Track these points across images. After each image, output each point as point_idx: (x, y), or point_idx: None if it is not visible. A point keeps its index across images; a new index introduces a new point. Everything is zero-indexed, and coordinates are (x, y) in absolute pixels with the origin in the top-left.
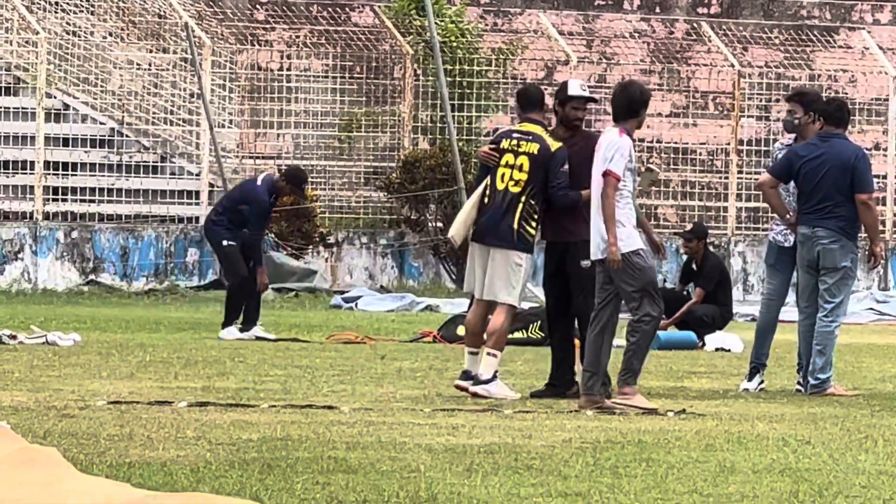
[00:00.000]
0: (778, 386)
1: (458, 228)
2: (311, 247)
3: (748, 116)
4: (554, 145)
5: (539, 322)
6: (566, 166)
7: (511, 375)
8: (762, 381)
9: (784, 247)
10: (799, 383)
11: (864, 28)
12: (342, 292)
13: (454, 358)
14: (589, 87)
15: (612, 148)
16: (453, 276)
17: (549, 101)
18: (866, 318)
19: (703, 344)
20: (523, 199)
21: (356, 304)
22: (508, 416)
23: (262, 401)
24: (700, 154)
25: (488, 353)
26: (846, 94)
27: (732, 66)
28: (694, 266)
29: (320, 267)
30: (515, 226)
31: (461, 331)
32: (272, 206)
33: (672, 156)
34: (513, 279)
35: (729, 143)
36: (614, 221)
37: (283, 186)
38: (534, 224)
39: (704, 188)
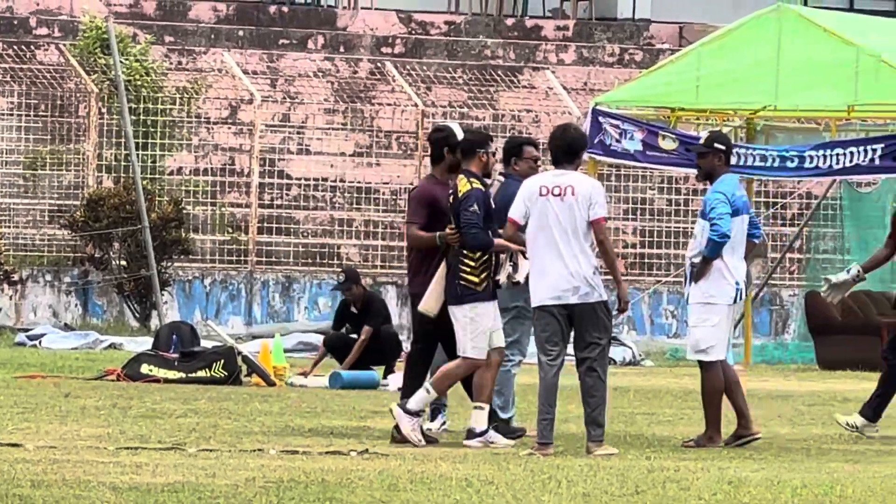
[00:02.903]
0: (461, 426)
1: (430, 302)
2: None
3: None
4: (462, 189)
5: (223, 361)
6: (474, 206)
7: (195, 414)
8: (445, 421)
9: None
10: None
11: (548, 68)
12: (26, 330)
13: (138, 396)
14: (273, 126)
15: (601, 193)
16: (137, 315)
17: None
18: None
19: (386, 384)
20: (456, 251)
21: (40, 342)
22: (192, 455)
23: None
24: (383, 193)
25: (476, 408)
26: (530, 133)
27: (416, 105)
28: (353, 309)
29: (4, 304)
30: (456, 280)
31: (145, 369)
32: None
33: (355, 195)
34: (473, 333)
35: (412, 183)
36: (617, 264)
37: None
38: (470, 272)
39: (388, 227)
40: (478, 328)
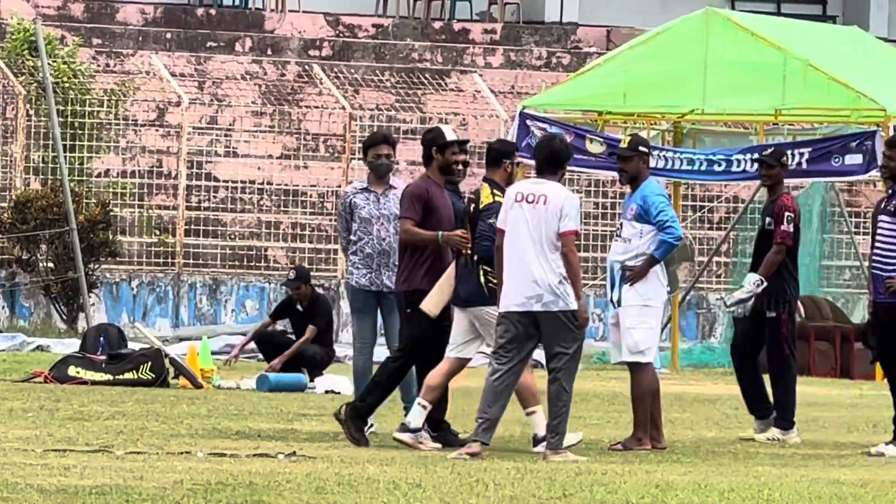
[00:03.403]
0: (388, 429)
1: (433, 302)
2: None
3: (359, 159)
4: (485, 200)
5: (150, 363)
6: (493, 219)
7: (122, 416)
8: (372, 425)
9: (370, 290)
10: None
11: (475, 71)
12: None
13: (65, 398)
14: (200, 128)
15: (574, 205)
16: (64, 317)
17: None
18: (477, 361)
19: (313, 386)
20: (476, 257)
21: None
22: (120, 457)
23: None
24: (311, 196)
25: (420, 404)
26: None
27: (344, 108)
28: (299, 307)
29: None
30: (486, 282)
31: (72, 371)
32: None
33: (283, 198)
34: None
35: (340, 186)
36: (580, 279)
37: None
38: (494, 276)
39: (315, 230)
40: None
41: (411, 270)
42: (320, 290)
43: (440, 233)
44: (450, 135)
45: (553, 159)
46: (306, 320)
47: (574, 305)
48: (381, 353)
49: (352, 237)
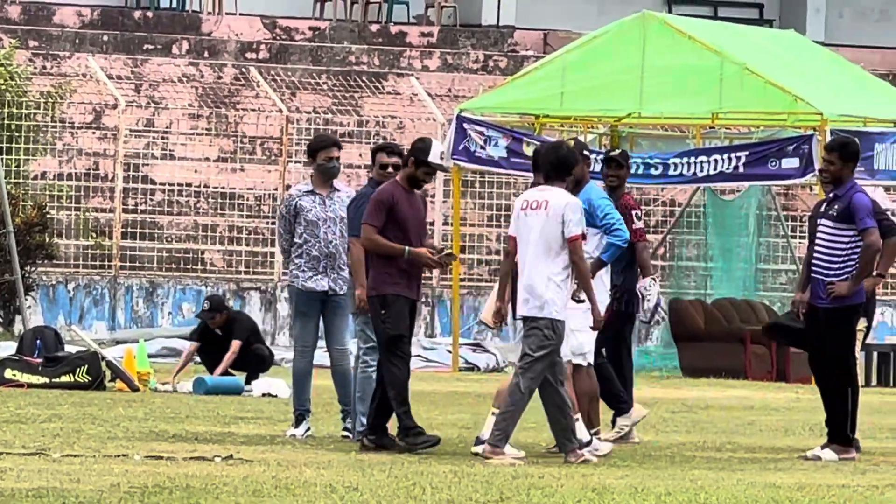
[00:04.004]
0: (325, 432)
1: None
2: None
3: (296, 161)
4: None
5: (87, 366)
6: None
7: (59, 419)
8: (309, 428)
9: (315, 292)
10: (346, 429)
11: (412, 74)
12: None
13: (1, 401)
14: (137, 131)
15: (576, 210)
16: (0, 320)
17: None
18: (413, 365)
19: (250, 389)
20: None
21: None
22: (56, 460)
23: None
24: (247, 199)
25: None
26: (394, 139)
27: (280, 111)
28: (218, 332)
29: None
30: None
31: (8, 373)
32: None
33: (219, 200)
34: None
35: (276, 189)
36: (591, 282)
37: None
38: None
39: (252, 233)
40: None
41: (381, 276)
42: (248, 294)
43: (407, 248)
44: (433, 156)
45: (560, 166)
46: (227, 340)
47: (559, 315)
48: (320, 356)
49: (296, 240)
